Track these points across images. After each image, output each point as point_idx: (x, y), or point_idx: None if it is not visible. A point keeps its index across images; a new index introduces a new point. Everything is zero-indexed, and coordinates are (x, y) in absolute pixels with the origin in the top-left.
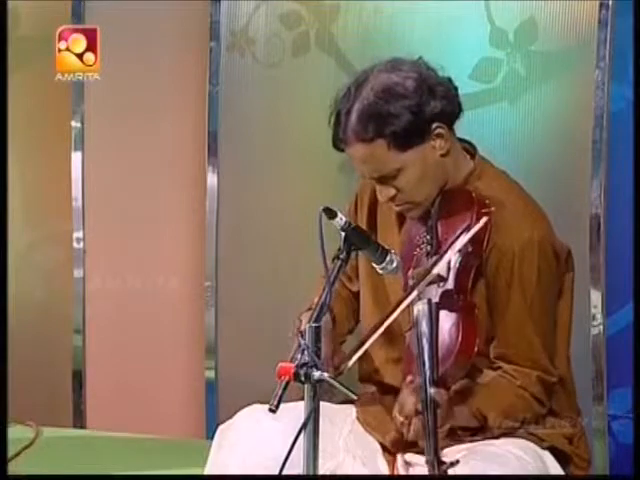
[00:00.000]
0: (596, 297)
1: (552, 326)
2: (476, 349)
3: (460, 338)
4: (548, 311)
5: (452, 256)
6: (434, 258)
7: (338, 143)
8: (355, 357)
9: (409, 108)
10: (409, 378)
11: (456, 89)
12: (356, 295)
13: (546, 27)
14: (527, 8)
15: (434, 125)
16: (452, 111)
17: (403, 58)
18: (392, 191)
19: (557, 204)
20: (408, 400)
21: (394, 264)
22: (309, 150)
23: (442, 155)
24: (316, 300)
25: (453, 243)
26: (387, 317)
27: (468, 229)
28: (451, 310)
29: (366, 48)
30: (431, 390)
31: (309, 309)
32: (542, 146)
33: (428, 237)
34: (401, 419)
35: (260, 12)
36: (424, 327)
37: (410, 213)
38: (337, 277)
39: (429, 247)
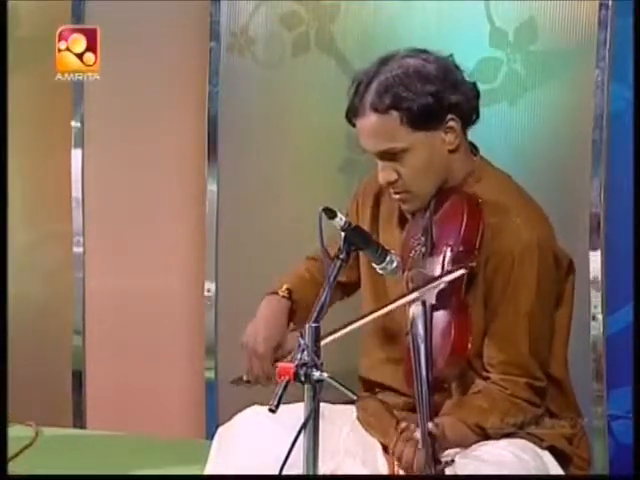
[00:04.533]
0: (596, 297)
1: (547, 330)
2: (470, 346)
3: (453, 337)
4: (544, 315)
5: (446, 256)
6: (430, 260)
7: (352, 113)
8: (331, 337)
9: (430, 92)
10: (402, 425)
11: (478, 93)
12: (343, 285)
13: (546, 27)
14: (527, 8)
15: (449, 116)
16: (469, 110)
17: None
18: (394, 175)
19: (557, 204)
20: (406, 451)
21: (394, 264)
22: (309, 150)
23: (450, 151)
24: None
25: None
26: (378, 310)
27: (459, 229)
28: (445, 310)
29: (366, 48)
30: (429, 425)
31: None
32: (542, 146)
33: (423, 239)
34: (399, 469)
35: (260, 12)
36: (419, 328)
37: (406, 205)
38: (337, 277)
39: (424, 249)
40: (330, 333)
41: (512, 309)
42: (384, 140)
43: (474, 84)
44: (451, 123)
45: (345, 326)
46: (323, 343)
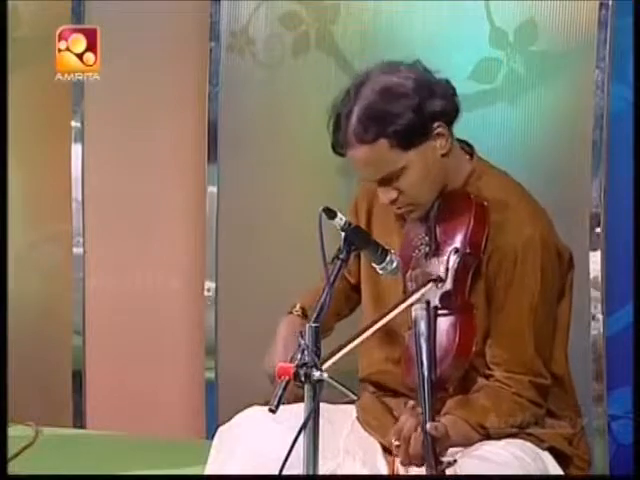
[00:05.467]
0: (596, 297)
1: (551, 327)
2: (474, 349)
3: (457, 339)
4: (549, 311)
5: (450, 257)
6: (433, 260)
7: (338, 147)
8: (337, 356)
9: (410, 107)
10: (410, 403)
11: (454, 90)
12: (354, 287)
13: (546, 27)
14: (527, 8)
15: (435, 124)
16: (452, 110)
17: (399, 60)
18: (394, 194)
19: (557, 204)
20: (407, 424)
21: (394, 264)
22: (309, 150)
23: (443, 155)
24: (299, 303)
25: (452, 246)
26: (380, 319)
27: (466, 231)
28: (449, 311)
29: (366, 48)
30: (428, 425)
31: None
32: (542, 146)
33: (427, 239)
34: (397, 443)
35: (260, 12)
36: (422, 329)
37: (411, 215)
38: (337, 277)
39: (427, 248)
40: (340, 348)
41: (516, 307)
42: (380, 167)
43: (447, 81)
44: (439, 130)
45: (353, 339)
46: (336, 359)
